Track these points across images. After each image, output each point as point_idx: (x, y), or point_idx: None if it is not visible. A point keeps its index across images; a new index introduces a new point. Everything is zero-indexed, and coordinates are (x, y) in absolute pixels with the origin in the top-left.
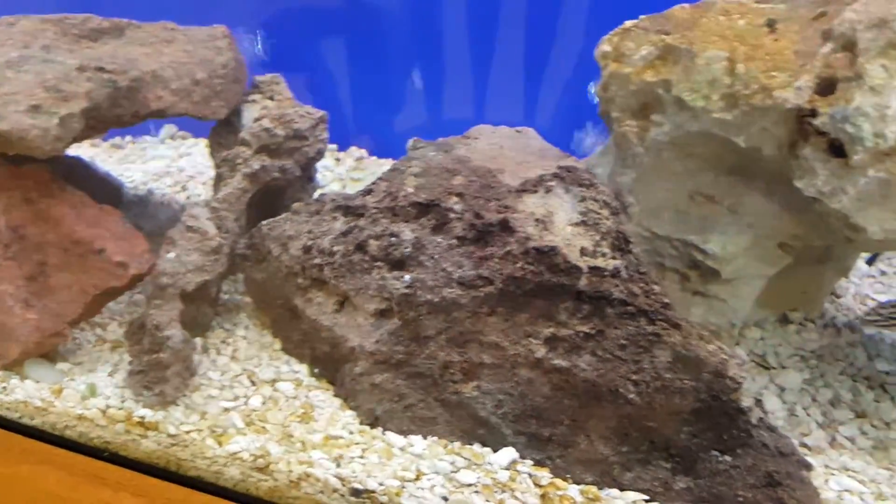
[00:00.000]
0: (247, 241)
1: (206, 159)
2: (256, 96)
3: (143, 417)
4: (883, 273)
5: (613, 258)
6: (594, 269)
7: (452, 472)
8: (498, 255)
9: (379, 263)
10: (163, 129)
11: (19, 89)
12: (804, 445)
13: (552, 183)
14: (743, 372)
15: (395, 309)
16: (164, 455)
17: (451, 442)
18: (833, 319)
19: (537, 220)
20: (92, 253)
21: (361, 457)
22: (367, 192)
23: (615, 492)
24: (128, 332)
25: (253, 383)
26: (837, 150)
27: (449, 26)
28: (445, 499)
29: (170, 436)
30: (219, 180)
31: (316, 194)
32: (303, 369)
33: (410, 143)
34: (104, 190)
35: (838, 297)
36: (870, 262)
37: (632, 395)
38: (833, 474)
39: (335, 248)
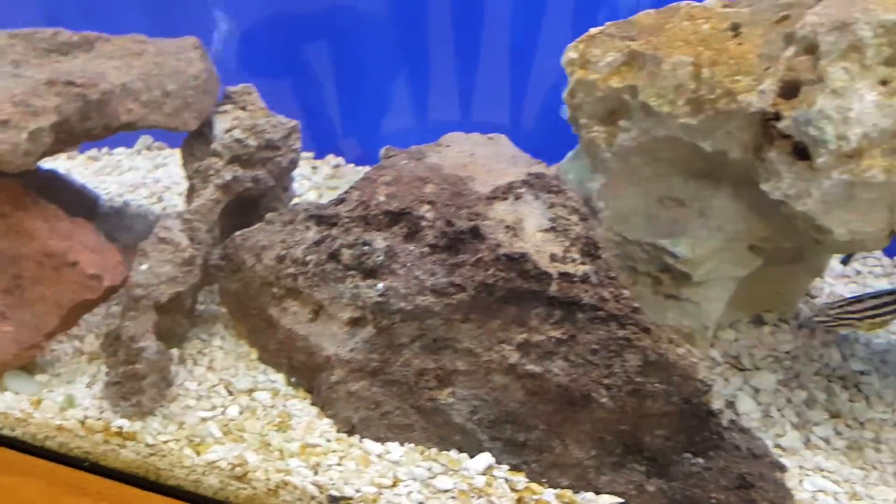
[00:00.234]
0: (221, 252)
1: (181, 170)
2: (228, 106)
3: (120, 428)
4: (858, 273)
5: (583, 264)
6: (564, 275)
7: (429, 478)
8: (469, 263)
9: (352, 272)
10: (138, 140)
11: None
12: (778, 446)
13: (522, 190)
14: (713, 375)
15: (369, 317)
16: (143, 465)
17: (428, 448)
18: (807, 320)
19: (507, 226)
20: (66, 266)
21: (339, 464)
22: (340, 201)
23: (590, 495)
24: (104, 343)
25: (230, 393)
26: (802, 152)
27: (427, 32)
28: None
29: (148, 445)
30: (191, 191)
31: (292, 203)
32: (280, 378)
33: (383, 151)
34: (80, 202)
35: (813, 297)
36: (844, 261)
37: (604, 400)
38: (807, 475)
39: (308, 258)
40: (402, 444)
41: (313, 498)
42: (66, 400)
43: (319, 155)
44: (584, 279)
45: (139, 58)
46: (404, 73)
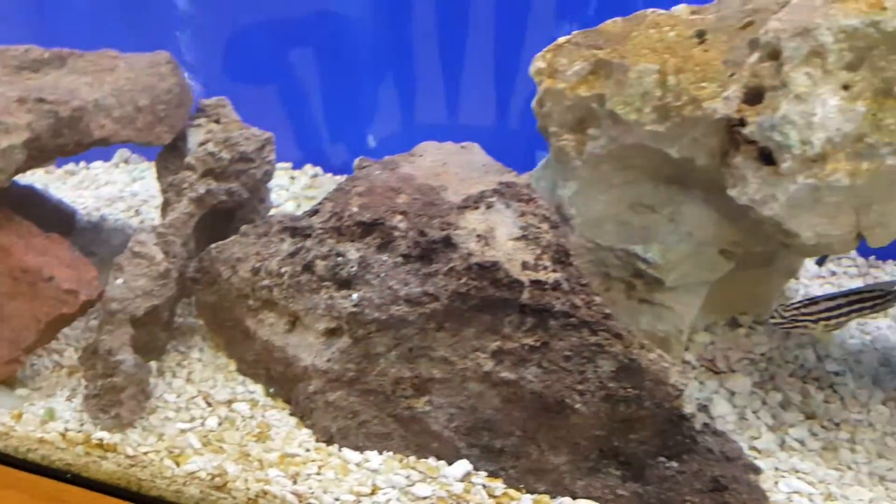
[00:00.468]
0: (196, 265)
1: (157, 183)
2: (202, 120)
3: (101, 440)
4: (833, 273)
5: (554, 271)
6: (536, 283)
7: (408, 485)
8: (442, 272)
9: (327, 283)
10: (116, 153)
11: None
12: (754, 448)
13: (493, 199)
14: (687, 378)
15: (344, 327)
16: (124, 476)
17: (407, 456)
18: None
19: (479, 235)
20: (42, 281)
21: (318, 473)
22: (314, 212)
23: (567, 500)
24: (82, 357)
25: (209, 404)
26: (767, 158)
27: (407, 41)
28: None
29: (128, 457)
30: (166, 205)
31: (270, 214)
32: (258, 389)
33: (356, 162)
34: (57, 217)
35: (788, 298)
36: (819, 263)
37: (578, 405)
38: (783, 476)
39: (283, 270)
40: (380, 453)
41: None
42: (46, 413)
43: (298, 165)
44: (556, 286)
45: (111, 73)
46: (383, 82)
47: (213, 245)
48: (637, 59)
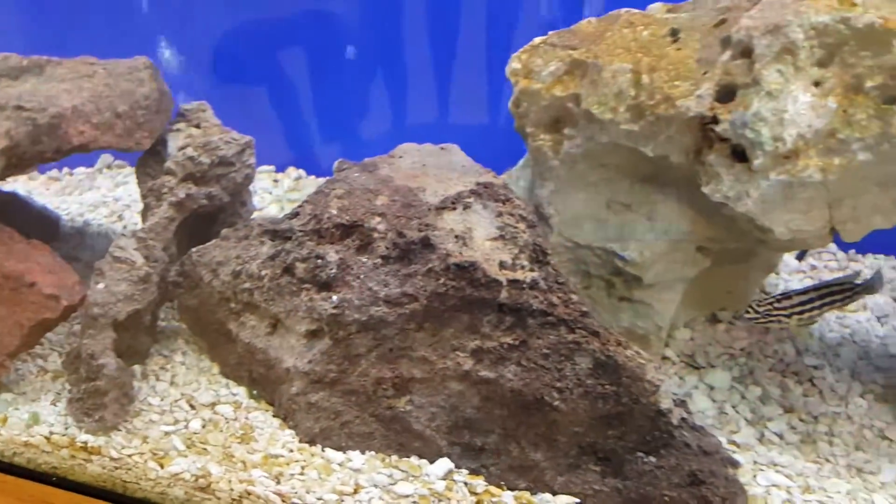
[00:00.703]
0: (178, 269)
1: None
2: (182, 124)
3: (85, 443)
4: (813, 267)
5: (532, 270)
6: (513, 282)
7: (390, 484)
8: (421, 273)
9: (307, 285)
10: (99, 159)
11: None
12: (733, 443)
13: (470, 199)
14: (667, 374)
15: (325, 329)
16: (109, 478)
17: (389, 455)
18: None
19: (457, 236)
20: (24, 287)
21: (301, 474)
22: (294, 215)
23: (548, 496)
24: (65, 361)
25: (192, 407)
26: (740, 155)
27: (391, 43)
28: None
29: (113, 459)
30: (146, 210)
31: (253, 217)
32: (241, 392)
33: (336, 164)
34: (41, 223)
35: (767, 293)
36: (799, 257)
37: (557, 402)
38: (761, 470)
39: (263, 272)
40: (363, 452)
41: None
42: (31, 417)
43: (281, 168)
44: (533, 285)
45: (90, 80)
46: (367, 84)
47: (193, 249)
48: (611, 58)
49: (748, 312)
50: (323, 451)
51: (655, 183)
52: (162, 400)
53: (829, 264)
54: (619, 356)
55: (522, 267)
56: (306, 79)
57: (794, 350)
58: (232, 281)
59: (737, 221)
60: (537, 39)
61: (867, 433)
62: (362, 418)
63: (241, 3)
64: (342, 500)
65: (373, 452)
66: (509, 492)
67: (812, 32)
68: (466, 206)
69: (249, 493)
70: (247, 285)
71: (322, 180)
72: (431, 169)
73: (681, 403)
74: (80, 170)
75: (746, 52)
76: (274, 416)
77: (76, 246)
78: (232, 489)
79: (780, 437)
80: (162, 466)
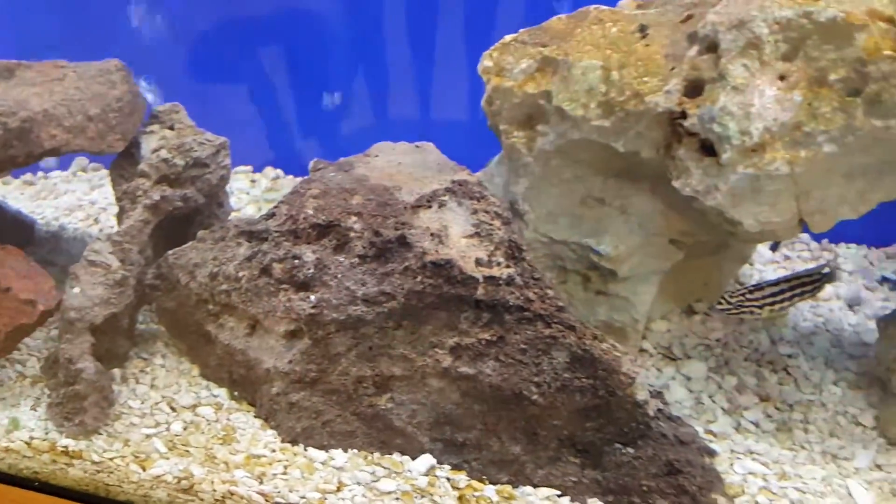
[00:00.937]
0: (154, 272)
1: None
2: (155, 126)
3: (66, 447)
4: (787, 258)
5: (508, 267)
6: (490, 279)
7: (373, 481)
8: (398, 271)
9: (284, 286)
10: (73, 161)
11: None
12: (710, 432)
13: (445, 197)
14: (644, 365)
15: (304, 329)
16: (91, 482)
17: (371, 453)
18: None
19: (433, 234)
20: None
21: (284, 473)
22: (270, 215)
23: (529, 489)
24: (43, 366)
25: (173, 409)
26: (708, 149)
27: (368, 43)
28: None
29: (94, 463)
30: (121, 213)
31: (230, 218)
32: (222, 393)
33: (311, 164)
34: (15, 228)
35: (742, 284)
36: (773, 248)
37: (535, 397)
38: (738, 458)
39: (241, 274)
40: (345, 451)
41: None
42: (11, 422)
43: (258, 168)
44: (510, 281)
45: (60, 83)
46: (344, 83)
47: (170, 251)
48: (581, 55)
49: (720, 304)
50: (305, 450)
51: (628, 178)
52: (142, 403)
53: (803, 254)
54: (595, 350)
55: (498, 263)
56: (283, 78)
57: (768, 339)
58: (209, 283)
59: (707, 215)
60: (508, 37)
61: (841, 420)
62: (344, 417)
63: (216, 2)
64: (325, 499)
65: (355, 450)
66: (491, 486)
67: (776, 27)
68: (442, 204)
69: (232, 494)
70: (224, 287)
71: (300, 180)
72: (406, 167)
73: (657, 394)
74: (55, 173)
75: (712, 47)
76: (255, 416)
77: (52, 250)
78: (215, 490)
79: (756, 425)
80: (144, 469)
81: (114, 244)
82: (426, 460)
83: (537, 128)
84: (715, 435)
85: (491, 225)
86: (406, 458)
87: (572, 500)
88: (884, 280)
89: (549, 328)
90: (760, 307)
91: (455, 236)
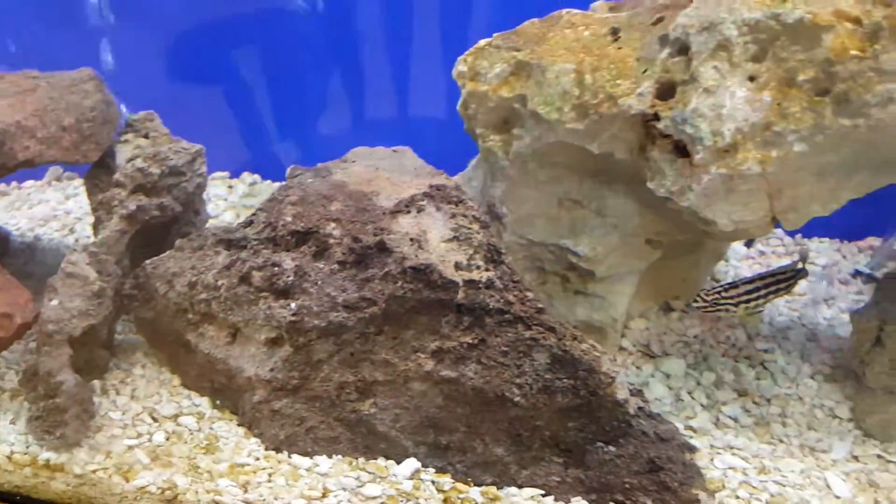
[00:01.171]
0: (132, 282)
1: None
2: (130, 135)
3: (48, 460)
4: (762, 253)
5: (487, 270)
6: (470, 282)
7: (358, 486)
8: (378, 277)
9: (264, 294)
10: (48, 171)
11: None
12: (690, 428)
13: (423, 202)
14: (624, 364)
15: (285, 336)
16: (74, 495)
17: (356, 458)
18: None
19: (412, 239)
20: None
21: (268, 481)
22: (248, 223)
23: (513, 489)
24: (22, 380)
25: (155, 420)
26: (682, 150)
27: (344, 46)
28: None
29: (76, 476)
30: (97, 223)
31: (208, 225)
32: (204, 402)
33: (289, 170)
34: None
35: (718, 280)
36: (748, 244)
37: (518, 398)
38: (718, 453)
39: (220, 282)
40: (329, 457)
41: None
42: None
43: (235, 174)
44: (489, 285)
45: (32, 94)
46: (321, 86)
47: (147, 261)
48: (554, 59)
49: (696, 302)
50: (289, 457)
51: (604, 179)
52: (123, 414)
53: (777, 249)
54: (575, 350)
55: (478, 267)
56: (260, 81)
57: (745, 335)
58: (188, 292)
59: (682, 214)
60: (482, 42)
61: (818, 413)
62: (327, 423)
63: (191, 3)
64: None
65: (339, 456)
66: (476, 487)
67: (745, 29)
68: (420, 209)
69: (217, 503)
70: (203, 296)
71: (277, 185)
72: (384, 172)
73: (637, 393)
74: (29, 183)
75: (683, 50)
76: (238, 425)
77: (27, 262)
78: (199, 500)
79: (735, 420)
80: (127, 480)
81: (91, 255)
82: (411, 464)
83: (513, 131)
84: (695, 431)
85: (469, 229)
86: (391, 462)
87: (556, 500)
88: (856, 273)
89: (530, 330)
90: (736, 305)
91: (434, 241)
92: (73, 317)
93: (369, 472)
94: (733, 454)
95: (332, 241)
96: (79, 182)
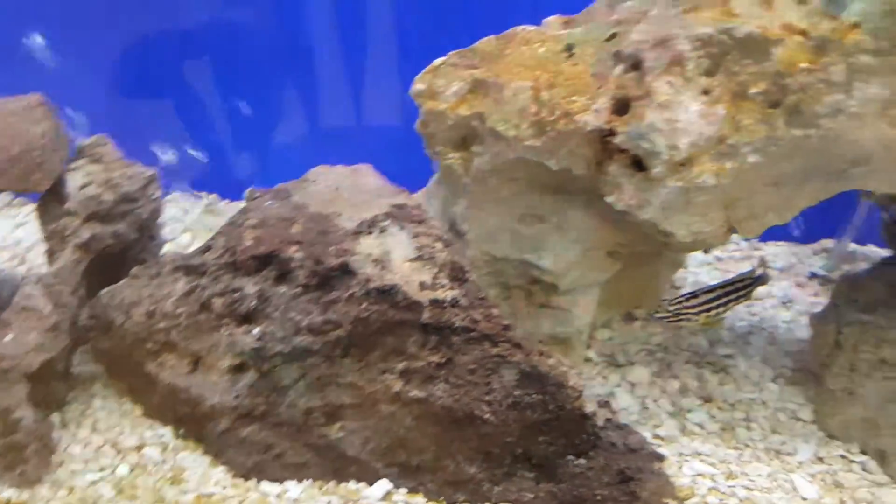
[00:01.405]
0: (89, 312)
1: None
2: (81, 161)
3: (9, 500)
4: (719, 259)
5: (452, 289)
6: (435, 302)
7: None
8: (343, 299)
9: (226, 320)
10: None
11: None
12: (657, 436)
13: (386, 222)
14: (590, 375)
15: (249, 363)
16: None
17: (326, 482)
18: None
19: (375, 260)
20: None
21: None
22: (206, 248)
23: None
24: None
25: (118, 452)
26: (639, 164)
27: (298, 57)
28: None
29: None
30: (51, 253)
31: (164, 249)
32: (167, 432)
33: (247, 193)
34: None
35: (677, 287)
36: (706, 250)
37: (487, 415)
38: (686, 460)
39: (179, 310)
40: (299, 482)
41: None
42: None
43: (193, 191)
44: (455, 303)
45: None
46: (277, 98)
47: (103, 291)
48: (511, 76)
49: (658, 312)
50: (258, 484)
51: (563, 194)
52: (85, 447)
53: (734, 254)
54: (542, 366)
55: (442, 286)
56: (214, 95)
57: (706, 342)
58: (146, 321)
59: (641, 227)
60: (438, 60)
61: (781, 416)
62: (295, 448)
63: (142, 15)
64: None
65: (310, 481)
66: None
67: (698, 43)
68: (383, 230)
69: None
70: (162, 325)
71: (235, 205)
72: (345, 192)
73: (604, 405)
74: None
75: (637, 66)
76: (204, 454)
77: None
78: None
79: (701, 426)
80: None
81: (46, 287)
82: (382, 486)
83: (472, 149)
84: (662, 439)
85: (433, 248)
86: (362, 484)
87: None
88: (813, 276)
89: (497, 347)
90: (697, 314)
91: (398, 261)
92: (29, 351)
93: (340, 496)
94: (701, 461)
95: (293, 264)
96: (29, 209)
